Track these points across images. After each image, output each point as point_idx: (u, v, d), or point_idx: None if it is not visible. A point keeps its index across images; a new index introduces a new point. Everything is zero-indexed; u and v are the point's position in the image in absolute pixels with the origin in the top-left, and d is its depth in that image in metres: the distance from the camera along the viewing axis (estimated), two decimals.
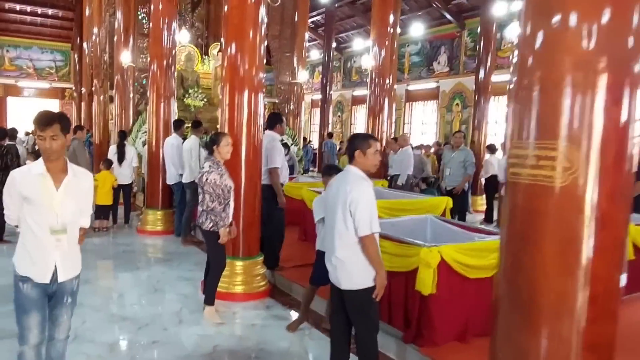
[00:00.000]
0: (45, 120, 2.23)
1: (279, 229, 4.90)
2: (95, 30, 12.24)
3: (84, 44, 14.12)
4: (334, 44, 16.34)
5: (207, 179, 3.77)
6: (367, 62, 8.93)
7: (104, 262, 5.73)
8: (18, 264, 2.35)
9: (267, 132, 4.90)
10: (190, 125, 6.99)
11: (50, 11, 17.84)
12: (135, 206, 8.68)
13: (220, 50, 10.93)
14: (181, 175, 6.72)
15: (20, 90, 19.11)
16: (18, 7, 17.33)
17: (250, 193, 4.47)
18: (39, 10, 17.64)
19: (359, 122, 18.52)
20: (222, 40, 4.60)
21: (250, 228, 4.51)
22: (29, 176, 2.30)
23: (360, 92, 18.09)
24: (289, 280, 4.72)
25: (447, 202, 5.58)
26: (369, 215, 2.60)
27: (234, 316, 4.05)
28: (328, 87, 15.64)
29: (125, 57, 9.82)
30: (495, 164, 8.28)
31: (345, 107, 19.21)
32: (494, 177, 8.14)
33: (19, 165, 6.68)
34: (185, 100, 9.33)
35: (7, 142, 6.30)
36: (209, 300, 3.93)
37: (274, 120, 4.97)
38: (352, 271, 2.69)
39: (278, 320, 4.01)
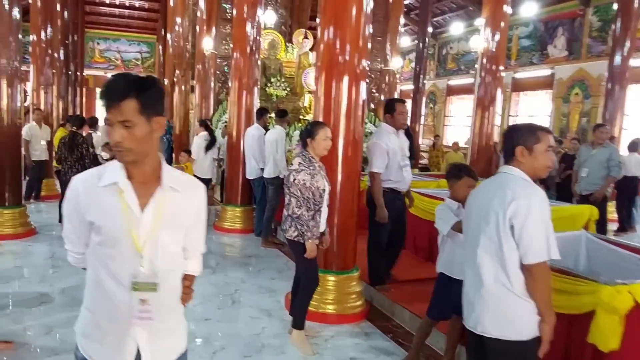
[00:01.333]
0: (112, 93, 1.36)
1: (377, 240, 4.18)
2: (179, 20, 12.38)
3: (168, 35, 14.43)
4: (429, 29, 15.29)
5: (294, 179, 3.19)
6: (476, 45, 7.96)
7: None
8: (80, 337, 1.49)
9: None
10: (274, 114, 6.54)
11: (137, 3, 18.62)
12: (214, 200, 8.48)
13: (305, 37, 10.74)
14: (263, 169, 6.29)
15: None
16: (108, 0, 18.27)
17: (347, 196, 3.83)
18: (127, 2, 18.48)
19: (456, 115, 17.34)
20: (319, 18, 3.99)
21: (346, 237, 3.89)
22: (96, 188, 1.41)
23: (457, 81, 16.89)
24: (390, 301, 4.03)
25: (591, 212, 4.56)
26: (544, 234, 1.85)
27: (325, 344, 3.45)
28: (422, 76, 14.67)
29: (207, 44, 9.66)
30: (634, 163, 7.08)
31: (438, 97, 18.04)
32: (629, 179, 7.02)
33: (94, 157, 6.66)
34: (267, 89, 8.98)
35: (86, 131, 6.26)
36: (298, 324, 3.35)
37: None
38: (507, 313, 1.95)
39: (380, 354, 3.34)
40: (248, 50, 6.87)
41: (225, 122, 8.70)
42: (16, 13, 5.76)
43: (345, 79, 3.78)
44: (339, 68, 3.78)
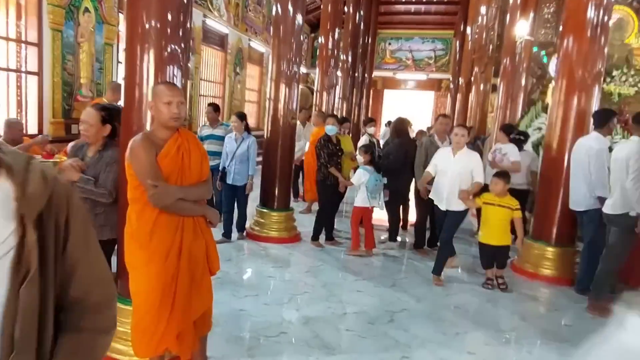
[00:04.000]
0: None
1: None
2: (484, 9, 11.47)
3: (468, 28, 13.69)
4: None
5: None
6: None
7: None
8: None
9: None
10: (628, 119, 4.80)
11: None
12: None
13: None
14: (600, 199, 4.65)
15: (397, 82, 20.80)
16: None
17: None
18: None
19: None
20: None
21: None
22: None
23: None
24: None
25: None
26: None
27: None
28: None
29: (521, 29, 8.31)
30: None
31: None
32: None
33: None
34: (605, 85, 7.08)
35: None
36: None
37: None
38: None
39: None
40: (588, 32, 5.28)
41: (539, 127, 7.26)
42: (299, 18, 6.04)
43: None
44: None
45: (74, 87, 6.80)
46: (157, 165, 2.47)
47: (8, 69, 6.12)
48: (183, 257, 2.54)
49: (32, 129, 6.33)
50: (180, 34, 2.92)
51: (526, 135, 6.71)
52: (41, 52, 6.22)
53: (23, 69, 6.26)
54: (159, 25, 2.82)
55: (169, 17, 2.85)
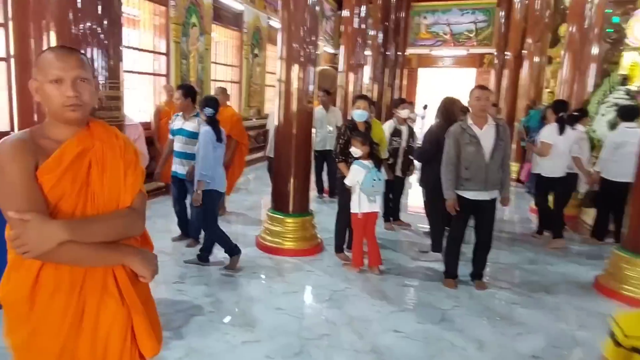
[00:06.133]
0: None
1: None
2: None
3: None
4: None
5: None
6: None
7: None
8: None
9: None
10: None
11: None
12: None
13: None
14: None
15: (433, 59, 19.39)
16: None
17: None
18: None
19: None
20: None
21: None
22: None
23: None
24: None
25: None
26: None
27: None
28: None
29: None
30: None
31: None
32: None
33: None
34: None
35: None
36: None
37: None
38: None
39: None
40: None
41: (615, 103, 6.06)
42: None
43: None
44: None
45: None
46: (35, 184, 1.46)
47: (149, 73, 7.95)
48: (83, 336, 1.55)
49: None
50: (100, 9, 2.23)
51: (584, 112, 5.98)
52: (168, 59, 8.07)
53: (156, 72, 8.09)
54: None
55: None
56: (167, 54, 8.09)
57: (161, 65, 8.13)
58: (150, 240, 1.83)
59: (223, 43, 10.33)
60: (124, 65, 2.45)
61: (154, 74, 8.00)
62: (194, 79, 8.72)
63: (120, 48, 2.41)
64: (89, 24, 2.18)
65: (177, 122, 4.95)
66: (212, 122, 4.49)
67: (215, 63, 9.90)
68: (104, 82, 2.35)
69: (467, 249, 4.66)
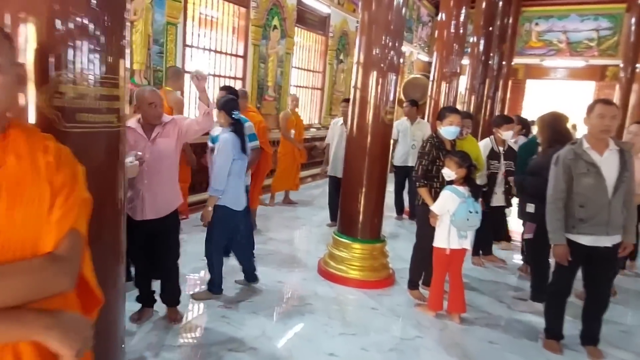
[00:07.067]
0: None
1: None
2: None
3: None
4: None
5: None
6: None
7: None
8: None
9: None
10: None
11: None
12: None
13: None
14: None
15: (544, 71, 17.71)
16: None
17: None
18: None
19: None
20: None
21: None
22: None
23: None
24: None
25: None
26: None
27: None
28: None
29: None
30: None
31: None
32: None
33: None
34: None
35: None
36: None
37: None
38: None
39: None
40: None
41: None
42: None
43: None
44: None
45: (264, 89, 8.31)
46: None
47: (224, 76, 7.57)
48: None
49: None
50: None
51: None
52: (246, 62, 7.83)
53: (232, 75, 7.79)
54: None
55: None
56: (244, 57, 7.74)
57: (238, 68, 7.78)
58: (95, 292, 1.24)
59: (306, 47, 9.86)
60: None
61: (230, 77, 7.66)
62: (271, 83, 8.43)
63: (122, 43, 1.84)
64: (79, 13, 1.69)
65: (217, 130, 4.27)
66: (237, 128, 3.79)
67: (297, 68, 9.43)
68: (94, 77, 1.76)
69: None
